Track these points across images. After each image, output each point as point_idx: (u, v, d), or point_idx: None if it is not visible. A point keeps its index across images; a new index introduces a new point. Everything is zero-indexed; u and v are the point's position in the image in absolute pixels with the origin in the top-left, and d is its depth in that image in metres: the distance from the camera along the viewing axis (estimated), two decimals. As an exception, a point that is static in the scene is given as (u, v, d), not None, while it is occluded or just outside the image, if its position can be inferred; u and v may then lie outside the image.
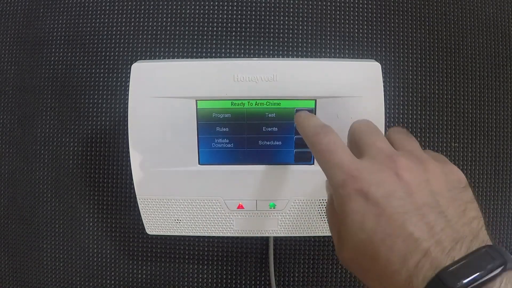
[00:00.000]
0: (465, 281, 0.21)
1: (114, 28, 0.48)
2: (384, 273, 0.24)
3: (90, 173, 0.48)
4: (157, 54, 0.48)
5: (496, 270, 0.21)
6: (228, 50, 0.48)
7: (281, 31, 0.48)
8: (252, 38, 0.48)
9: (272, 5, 0.48)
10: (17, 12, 0.49)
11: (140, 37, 0.48)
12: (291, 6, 0.48)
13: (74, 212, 0.48)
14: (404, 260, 0.23)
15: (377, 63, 0.38)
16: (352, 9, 0.48)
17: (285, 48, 0.48)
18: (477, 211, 0.25)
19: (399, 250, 0.23)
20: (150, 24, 0.48)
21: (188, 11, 0.48)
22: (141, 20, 0.48)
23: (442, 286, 0.21)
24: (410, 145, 0.29)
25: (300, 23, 0.48)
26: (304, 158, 0.40)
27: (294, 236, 0.46)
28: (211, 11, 0.48)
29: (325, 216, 0.30)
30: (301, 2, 0.48)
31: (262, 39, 0.48)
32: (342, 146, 0.28)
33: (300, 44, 0.48)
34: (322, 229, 0.41)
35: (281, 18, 0.48)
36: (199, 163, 0.40)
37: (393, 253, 0.23)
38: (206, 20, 0.48)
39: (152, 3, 0.48)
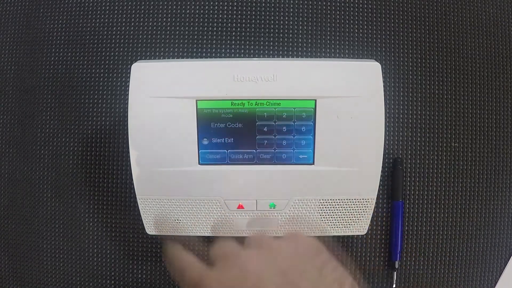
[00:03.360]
0: None
1: (114, 28, 0.48)
2: None
3: (90, 173, 0.48)
4: (157, 54, 0.48)
5: None
6: (228, 50, 0.48)
7: (281, 31, 0.48)
8: (252, 38, 0.48)
9: (272, 5, 0.48)
10: (17, 12, 0.49)
11: (140, 37, 0.48)
12: (291, 6, 0.48)
13: (74, 212, 0.48)
14: None
15: (377, 63, 0.38)
16: (352, 9, 0.48)
17: (285, 48, 0.48)
18: (335, 270, 0.26)
19: None
20: (150, 24, 0.48)
21: (188, 11, 0.48)
22: (141, 20, 0.48)
23: None
24: (257, 238, 0.30)
25: (300, 23, 0.48)
26: (304, 158, 0.40)
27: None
28: (211, 11, 0.48)
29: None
30: (301, 2, 0.48)
31: (262, 39, 0.48)
32: (193, 261, 0.29)
33: (300, 44, 0.48)
34: (322, 229, 0.41)
35: (281, 18, 0.48)
36: (199, 163, 0.40)
37: None
38: (206, 20, 0.48)
39: (152, 3, 0.48)
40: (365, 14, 0.48)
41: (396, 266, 0.46)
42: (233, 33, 0.48)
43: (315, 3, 0.48)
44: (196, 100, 0.38)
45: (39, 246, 0.48)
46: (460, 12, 0.48)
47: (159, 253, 0.48)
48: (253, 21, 0.48)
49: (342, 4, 0.48)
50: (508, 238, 0.47)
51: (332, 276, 0.25)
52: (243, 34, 0.48)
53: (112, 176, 0.48)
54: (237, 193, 0.40)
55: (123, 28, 0.48)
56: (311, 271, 0.25)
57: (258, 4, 0.48)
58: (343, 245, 0.47)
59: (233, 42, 0.48)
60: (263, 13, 0.48)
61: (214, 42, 0.48)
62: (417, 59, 0.48)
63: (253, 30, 0.48)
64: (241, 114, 0.39)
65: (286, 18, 0.48)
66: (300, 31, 0.48)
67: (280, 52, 0.48)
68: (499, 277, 0.47)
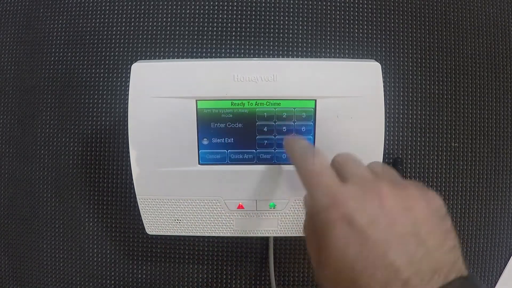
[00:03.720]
0: None
1: (114, 28, 0.48)
2: None
3: (90, 173, 0.48)
4: (157, 54, 0.48)
5: None
6: (228, 50, 0.48)
7: (281, 31, 0.48)
8: (252, 38, 0.48)
9: (272, 5, 0.48)
10: (17, 12, 0.49)
11: (140, 37, 0.48)
12: (291, 6, 0.48)
13: (74, 212, 0.48)
14: None
15: (377, 63, 0.38)
16: (352, 9, 0.48)
17: (285, 48, 0.48)
18: (455, 240, 0.26)
19: (379, 278, 0.23)
20: (150, 24, 0.48)
21: (188, 11, 0.48)
22: (141, 20, 0.48)
23: None
24: (390, 174, 0.29)
25: (300, 23, 0.48)
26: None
27: (294, 236, 0.46)
28: (211, 11, 0.48)
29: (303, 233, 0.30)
30: (301, 2, 0.48)
31: (262, 39, 0.48)
32: (328, 169, 0.28)
33: (300, 44, 0.48)
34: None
35: (281, 18, 0.48)
36: (199, 163, 0.40)
37: (373, 282, 0.23)
38: (206, 20, 0.48)
39: (152, 3, 0.48)
40: (365, 14, 0.48)
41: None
42: (233, 33, 0.48)
43: (315, 3, 0.48)
44: (196, 100, 0.38)
45: (39, 246, 0.48)
46: (460, 12, 0.48)
47: (159, 253, 0.48)
48: (253, 21, 0.48)
49: (342, 4, 0.48)
50: (508, 238, 0.47)
51: (452, 243, 0.25)
52: (243, 34, 0.48)
53: (112, 176, 0.48)
54: (237, 193, 0.40)
55: (123, 28, 0.48)
56: (438, 232, 0.25)
57: (258, 4, 0.48)
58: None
59: (233, 42, 0.48)
60: (263, 13, 0.48)
61: (214, 42, 0.48)
62: (417, 59, 0.48)
63: (253, 30, 0.48)
64: (241, 114, 0.39)
65: (286, 18, 0.48)
66: (300, 31, 0.48)
67: (280, 52, 0.48)
68: (499, 277, 0.47)
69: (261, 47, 0.48)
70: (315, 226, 0.27)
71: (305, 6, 0.48)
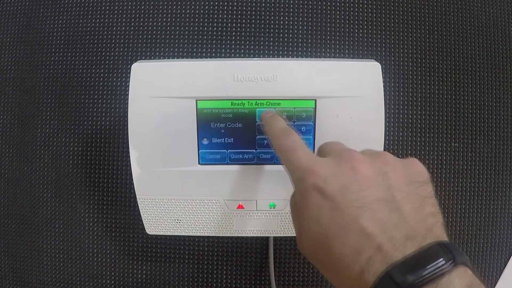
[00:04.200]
0: (413, 277, 0.21)
1: (114, 28, 0.48)
2: (338, 267, 0.24)
3: (90, 173, 0.48)
4: (157, 54, 0.48)
5: (445, 266, 0.21)
6: (228, 50, 0.48)
7: (281, 31, 0.48)
8: (252, 38, 0.48)
9: (272, 5, 0.48)
10: (17, 12, 0.49)
11: (140, 37, 0.48)
12: (291, 6, 0.48)
13: (74, 212, 0.48)
14: (356, 254, 0.23)
15: (377, 63, 0.38)
16: (352, 9, 0.48)
17: (285, 48, 0.48)
18: (434, 207, 0.25)
19: (351, 244, 0.24)
20: (150, 24, 0.48)
21: (188, 11, 0.48)
22: (141, 20, 0.48)
23: (392, 281, 0.21)
24: (374, 151, 0.30)
25: (300, 23, 0.48)
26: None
27: (294, 236, 0.46)
28: (211, 11, 0.48)
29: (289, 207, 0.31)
30: (301, 2, 0.48)
31: (262, 39, 0.48)
32: (302, 145, 0.29)
33: (300, 44, 0.48)
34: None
35: (281, 18, 0.48)
36: (199, 163, 0.40)
37: (346, 248, 0.24)
38: (206, 20, 0.48)
39: (152, 3, 0.48)
40: (365, 14, 0.48)
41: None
42: (233, 33, 0.48)
43: (315, 3, 0.48)
44: (196, 100, 0.38)
45: (39, 246, 0.48)
46: (460, 12, 0.48)
47: (159, 253, 0.48)
48: (253, 21, 0.48)
49: (342, 4, 0.48)
50: (508, 238, 0.47)
51: (430, 210, 0.25)
52: (243, 34, 0.48)
53: (112, 176, 0.48)
54: (237, 193, 0.40)
55: (123, 28, 0.48)
56: (415, 196, 0.25)
57: (258, 4, 0.48)
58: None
59: (233, 42, 0.48)
60: (263, 13, 0.48)
61: (214, 42, 0.48)
62: (417, 59, 0.48)
63: (253, 30, 0.48)
64: (241, 114, 0.39)
65: (286, 18, 0.48)
66: (300, 31, 0.48)
67: (280, 52, 0.48)
68: (499, 277, 0.47)
69: (261, 47, 0.48)
70: (295, 199, 0.28)
71: (305, 6, 0.48)
